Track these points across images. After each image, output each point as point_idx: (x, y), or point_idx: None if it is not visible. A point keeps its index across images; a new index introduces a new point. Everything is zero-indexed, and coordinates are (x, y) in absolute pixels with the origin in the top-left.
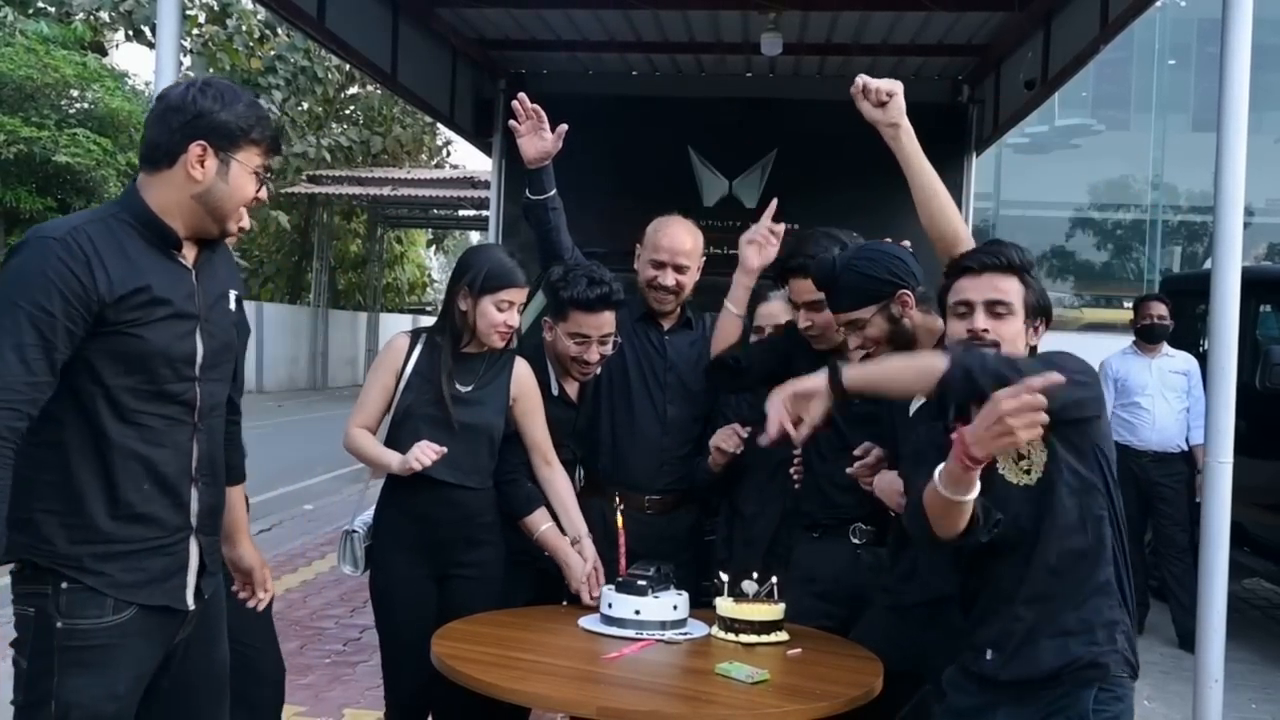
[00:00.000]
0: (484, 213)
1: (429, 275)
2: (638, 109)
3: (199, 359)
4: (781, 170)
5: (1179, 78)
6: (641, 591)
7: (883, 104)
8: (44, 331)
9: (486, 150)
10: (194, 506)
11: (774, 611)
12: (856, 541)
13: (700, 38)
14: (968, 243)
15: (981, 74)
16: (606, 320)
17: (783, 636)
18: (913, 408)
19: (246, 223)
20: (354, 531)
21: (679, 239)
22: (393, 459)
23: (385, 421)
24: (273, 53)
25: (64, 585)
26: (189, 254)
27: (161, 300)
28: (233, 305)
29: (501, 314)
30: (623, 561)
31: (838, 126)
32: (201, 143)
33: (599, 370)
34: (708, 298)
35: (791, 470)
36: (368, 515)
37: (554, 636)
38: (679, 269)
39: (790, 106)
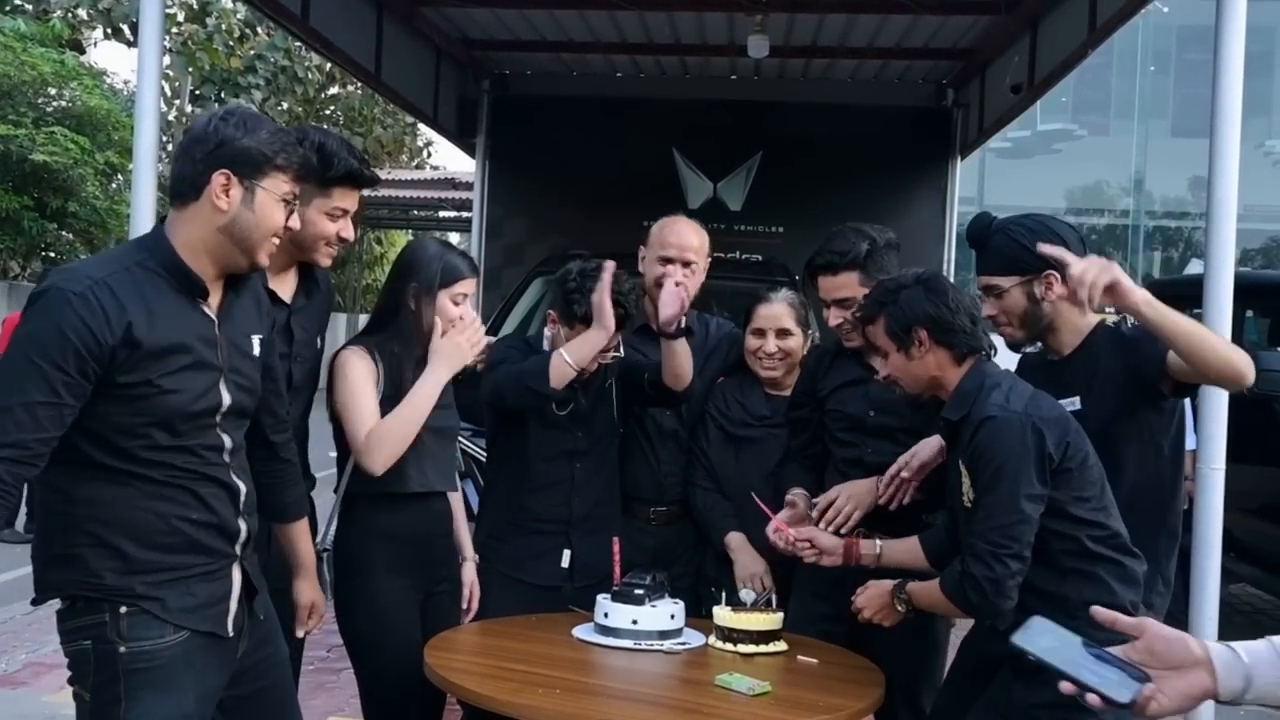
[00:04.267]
0: (465, 214)
1: None
2: (622, 111)
3: (223, 408)
4: (766, 173)
5: (1159, 84)
6: (638, 601)
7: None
8: (58, 389)
9: (470, 151)
10: (241, 537)
11: (772, 620)
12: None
13: (686, 39)
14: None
15: (966, 78)
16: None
17: (781, 646)
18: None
19: (266, 260)
20: (326, 550)
21: (686, 235)
22: (430, 383)
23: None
24: (253, 52)
25: (122, 610)
26: (214, 299)
27: (184, 353)
28: (256, 350)
29: (457, 308)
30: (617, 570)
31: (822, 129)
32: (225, 171)
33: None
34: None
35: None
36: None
37: (549, 647)
38: (687, 264)
39: (775, 109)
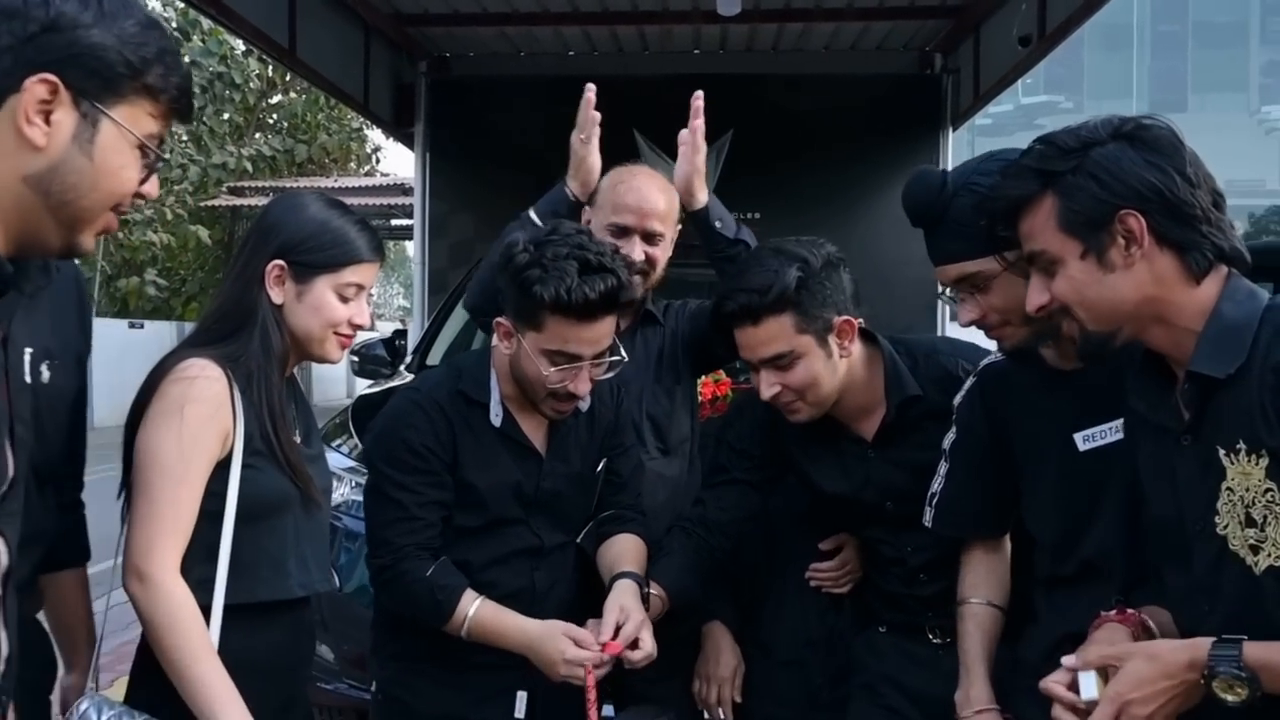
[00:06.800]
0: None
1: None
2: (576, 91)
3: (8, 478)
4: (739, 153)
5: (1134, 57)
6: None
7: None
8: None
9: (408, 142)
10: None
11: None
12: (936, 641)
13: (644, 5)
14: None
15: (956, 40)
16: (605, 329)
17: None
18: (1084, 443)
19: (91, 240)
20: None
21: (649, 195)
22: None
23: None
24: (186, 59)
25: None
26: None
27: None
28: (46, 377)
29: (347, 307)
30: (593, 713)
31: (798, 103)
32: (50, 77)
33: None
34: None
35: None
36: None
37: None
38: (649, 237)
39: (745, 83)
